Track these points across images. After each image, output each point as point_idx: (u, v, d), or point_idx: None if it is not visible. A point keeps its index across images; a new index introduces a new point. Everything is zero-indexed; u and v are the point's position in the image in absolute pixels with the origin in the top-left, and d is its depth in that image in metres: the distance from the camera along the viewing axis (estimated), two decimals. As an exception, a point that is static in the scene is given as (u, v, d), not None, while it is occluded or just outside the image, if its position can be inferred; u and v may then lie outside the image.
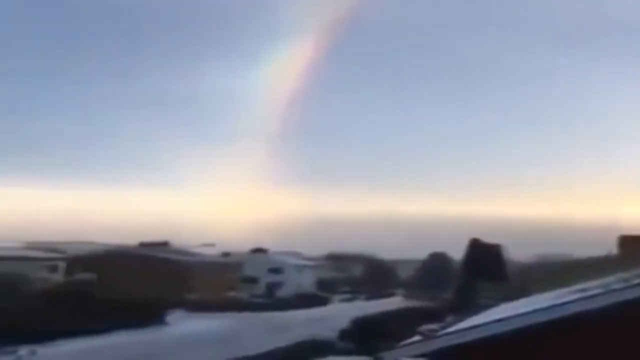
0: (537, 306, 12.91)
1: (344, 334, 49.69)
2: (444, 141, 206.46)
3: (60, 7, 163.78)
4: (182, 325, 60.16)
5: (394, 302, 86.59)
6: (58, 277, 74.29)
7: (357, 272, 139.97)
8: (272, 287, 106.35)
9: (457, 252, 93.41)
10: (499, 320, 12.41)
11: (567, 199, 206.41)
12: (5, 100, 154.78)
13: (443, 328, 17.35)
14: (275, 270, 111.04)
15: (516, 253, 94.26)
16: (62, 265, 78.22)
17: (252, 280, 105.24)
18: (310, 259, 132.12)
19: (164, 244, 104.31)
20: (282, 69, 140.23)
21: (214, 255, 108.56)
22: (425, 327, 26.06)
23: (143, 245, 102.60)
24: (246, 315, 71.68)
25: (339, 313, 66.20)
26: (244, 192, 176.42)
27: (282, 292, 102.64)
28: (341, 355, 38.50)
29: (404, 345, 12.98)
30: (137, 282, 71.15)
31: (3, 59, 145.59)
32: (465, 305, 52.68)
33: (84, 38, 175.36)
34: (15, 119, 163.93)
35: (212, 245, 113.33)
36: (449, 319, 40.35)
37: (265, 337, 50.86)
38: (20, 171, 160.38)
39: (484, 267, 73.56)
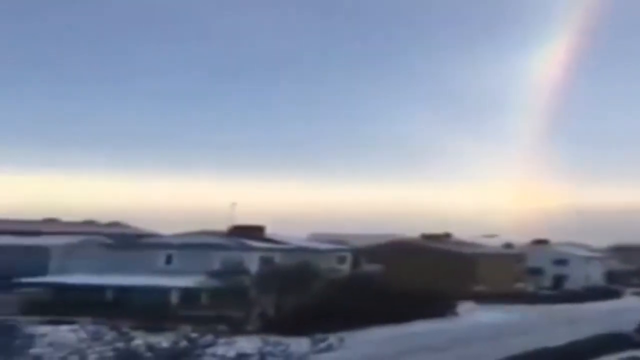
0: None
1: (644, 328, 47.23)
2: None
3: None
4: (474, 316, 60.05)
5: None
6: (346, 268, 76.40)
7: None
8: (558, 279, 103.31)
9: None
10: None
11: None
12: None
13: None
14: (561, 262, 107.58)
15: None
16: (348, 256, 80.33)
17: (537, 272, 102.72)
18: (594, 250, 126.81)
19: (445, 236, 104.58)
20: (549, 64, 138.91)
21: (496, 246, 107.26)
22: None
23: (425, 237, 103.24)
24: (537, 307, 70.21)
25: (635, 306, 63.17)
26: (521, 184, 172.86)
27: (570, 284, 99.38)
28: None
29: None
30: (421, 273, 71.83)
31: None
32: None
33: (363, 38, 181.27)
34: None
35: (494, 236, 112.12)
36: None
37: (560, 330, 49.52)
38: (313, 168, 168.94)
39: None
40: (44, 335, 17.57)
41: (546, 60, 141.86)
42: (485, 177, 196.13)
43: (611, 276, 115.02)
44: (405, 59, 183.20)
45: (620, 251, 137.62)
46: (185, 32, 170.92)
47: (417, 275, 68.70)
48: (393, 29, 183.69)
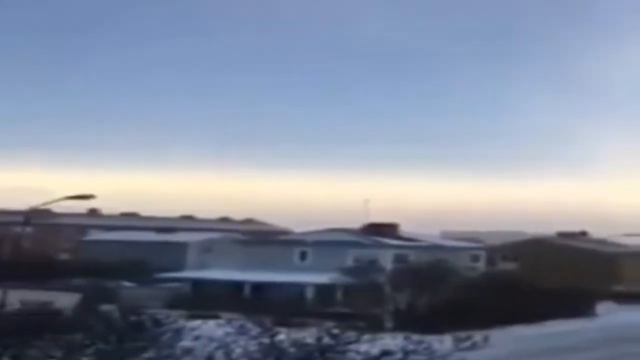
0: None
1: None
2: None
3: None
4: (615, 316, 58.12)
5: None
6: (480, 266, 75.65)
7: None
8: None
9: None
10: None
11: None
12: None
13: None
14: None
15: None
16: (482, 254, 79.48)
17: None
18: None
19: (582, 234, 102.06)
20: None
21: (638, 245, 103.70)
22: None
23: (561, 235, 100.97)
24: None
25: None
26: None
27: None
28: None
29: None
30: (559, 272, 70.19)
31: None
32: None
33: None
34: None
35: (636, 235, 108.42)
36: None
37: None
38: (445, 164, 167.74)
39: None
40: (191, 329, 18.07)
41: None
42: (627, 175, 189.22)
43: None
44: (550, 48, 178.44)
45: None
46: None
47: (554, 274, 67.20)
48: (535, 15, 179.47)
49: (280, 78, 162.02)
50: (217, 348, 16.37)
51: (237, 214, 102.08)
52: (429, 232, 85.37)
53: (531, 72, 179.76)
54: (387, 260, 62.48)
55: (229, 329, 16.92)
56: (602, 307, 61.92)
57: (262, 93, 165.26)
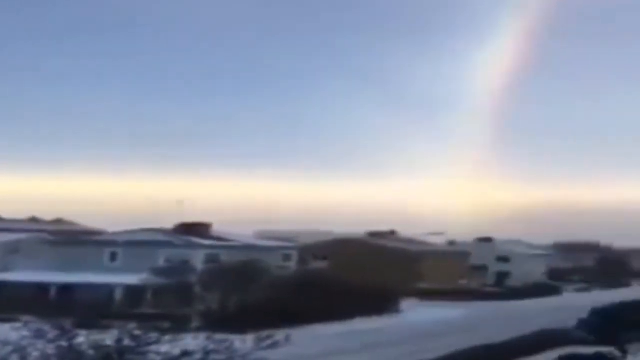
0: None
1: (583, 324, 47.97)
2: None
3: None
4: (417, 313, 60.65)
5: (633, 293, 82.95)
6: (292, 265, 76.68)
7: (587, 262, 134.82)
8: (501, 276, 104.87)
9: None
10: None
11: None
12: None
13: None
14: (504, 259, 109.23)
15: None
16: (294, 254, 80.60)
17: (481, 269, 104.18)
18: (537, 248, 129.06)
19: (391, 233, 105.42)
20: (492, 65, 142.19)
21: (441, 244, 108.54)
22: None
23: (371, 234, 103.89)
24: (479, 304, 71.18)
25: (575, 303, 64.21)
26: (467, 182, 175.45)
27: (512, 282, 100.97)
28: (582, 345, 37.40)
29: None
30: (367, 271, 72.36)
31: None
32: None
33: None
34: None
35: (440, 234, 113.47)
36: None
37: (503, 326, 50.15)
38: (250, 162, 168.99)
39: None
40: (-17, 333, 17.45)
41: (496, 62, 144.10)
42: (433, 176, 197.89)
43: (553, 273, 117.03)
44: (356, 58, 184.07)
45: (562, 249, 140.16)
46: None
47: (362, 273, 69.06)
48: (346, 30, 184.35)
49: (93, 80, 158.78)
50: (13, 352, 15.89)
51: (48, 215, 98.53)
52: (244, 231, 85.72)
53: (348, 78, 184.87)
54: (198, 260, 62.31)
55: (25, 333, 16.42)
56: (406, 304, 64.34)
57: (76, 91, 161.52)
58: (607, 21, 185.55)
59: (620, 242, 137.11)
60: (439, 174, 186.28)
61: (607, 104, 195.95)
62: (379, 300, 59.75)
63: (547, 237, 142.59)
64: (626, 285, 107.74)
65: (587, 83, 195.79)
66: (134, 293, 56.35)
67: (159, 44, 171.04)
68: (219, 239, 71.20)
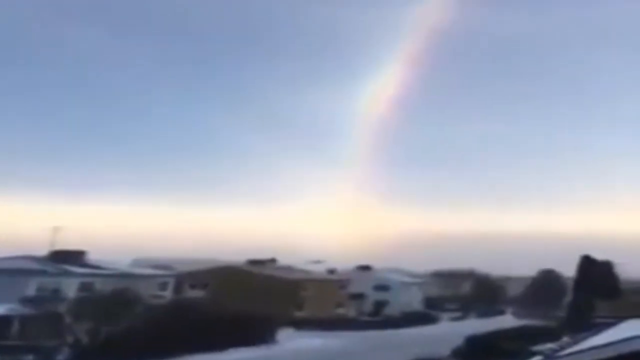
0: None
1: (458, 353, 48.95)
2: (551, 157, 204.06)
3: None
4: (293, 342, 60.45)
5: (506, 321, 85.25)
6: (168, 294, 75.61)
7: (464, 290, 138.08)
8: (379, 305, 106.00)
9: (566, 269, 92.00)
10: (626, 340, 12.07)
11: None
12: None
13: (562, 348, 16.98)
14: (382, 288, 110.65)
15: (630, 270, 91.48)
16: (171, 282, 79.50)
17: (359, 297, 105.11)
18: (416, 276, 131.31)
19: (271, 261, 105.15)
20: (376, 92, 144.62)
21: (321, 272, 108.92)
22: (543, 347, 25.56)
23: (251, 262, 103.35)
24: (356, 333, 71.56)
25: (450, 331, 65.44)
26: (349, 210, 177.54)
27: (390, 310, 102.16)
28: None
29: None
30: (245, 299, 71.96)
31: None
32: (580, 324, 51.36)
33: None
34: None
35: (320, 262, 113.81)
36: (566, 338, 39.39)
37: (376, 356, 50.74)
38: (130, 189, 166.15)
39: (597, 284, 71.94)
40: None
41: (380, 89, 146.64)
42: (314, 203, 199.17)
43: (430, 301, 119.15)
44: (241, 84, 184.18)
45: (440, 277, 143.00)
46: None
47: (240, 302, 68.62)
48: (226, 52, 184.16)
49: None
50: None
51: None
52: (121, 259, 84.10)
53: (227, 103, 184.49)
54: (72, 289, 60.66)
55: None
56: (283, 334, 64.13)
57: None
58: (493, 54, 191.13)
59: (497, 269, 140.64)
60: (320, 201, 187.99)
61: (490, 132, 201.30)
62: (255, 330, 59.27)
63: (427, 264, 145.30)
64: (501, 312, 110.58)
65: (469, 112, 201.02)
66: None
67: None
68: (94, 266, 69.55)
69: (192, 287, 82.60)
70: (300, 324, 73.40)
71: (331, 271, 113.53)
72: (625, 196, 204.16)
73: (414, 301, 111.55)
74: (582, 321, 55.65)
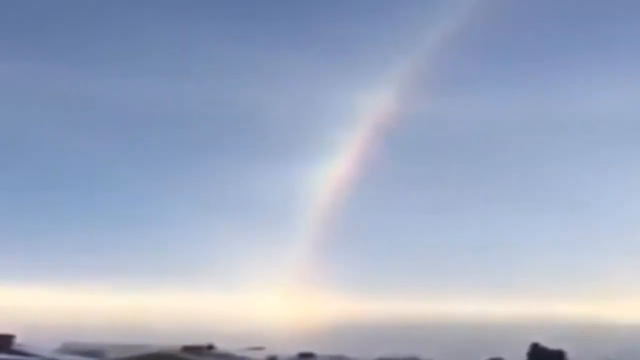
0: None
1: None
2: (498, 244, 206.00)
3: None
4: None
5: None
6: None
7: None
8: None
9: (514, 357, 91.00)
10: None
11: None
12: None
13: None
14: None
15: (579, 358, 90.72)
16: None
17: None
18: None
19: (209, 348, 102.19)
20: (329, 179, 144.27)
21: (260, 359, 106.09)
22: None
23: (186, 348, 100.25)
24: None
25: None
26: (291, 295, 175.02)
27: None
28: None
29: None
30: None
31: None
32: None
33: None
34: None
35: (261, 349, 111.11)
36: None
37: None
38: (60, 272, 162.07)
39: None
40: None
41: (323, 172, 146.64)
42: (255, 288, 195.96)
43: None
44: (169, 158, 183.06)
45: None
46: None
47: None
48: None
49: None
50: None
51: None
52: (50, 344, 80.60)
53: (160, 180, 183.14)
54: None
55: None
56: None
57: None
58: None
59: (442, 357, 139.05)
60: (261, 285, 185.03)
61: (434, 221, 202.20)
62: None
63: (370, 352, 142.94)
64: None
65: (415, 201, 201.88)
66: None
67: None
68: (20, 353, 66.03)
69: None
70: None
71: (272, 358, 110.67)
72: (578, 282, 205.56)
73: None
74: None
